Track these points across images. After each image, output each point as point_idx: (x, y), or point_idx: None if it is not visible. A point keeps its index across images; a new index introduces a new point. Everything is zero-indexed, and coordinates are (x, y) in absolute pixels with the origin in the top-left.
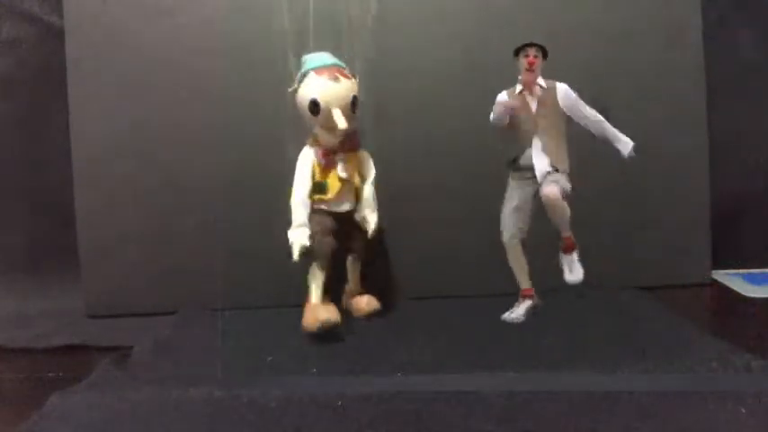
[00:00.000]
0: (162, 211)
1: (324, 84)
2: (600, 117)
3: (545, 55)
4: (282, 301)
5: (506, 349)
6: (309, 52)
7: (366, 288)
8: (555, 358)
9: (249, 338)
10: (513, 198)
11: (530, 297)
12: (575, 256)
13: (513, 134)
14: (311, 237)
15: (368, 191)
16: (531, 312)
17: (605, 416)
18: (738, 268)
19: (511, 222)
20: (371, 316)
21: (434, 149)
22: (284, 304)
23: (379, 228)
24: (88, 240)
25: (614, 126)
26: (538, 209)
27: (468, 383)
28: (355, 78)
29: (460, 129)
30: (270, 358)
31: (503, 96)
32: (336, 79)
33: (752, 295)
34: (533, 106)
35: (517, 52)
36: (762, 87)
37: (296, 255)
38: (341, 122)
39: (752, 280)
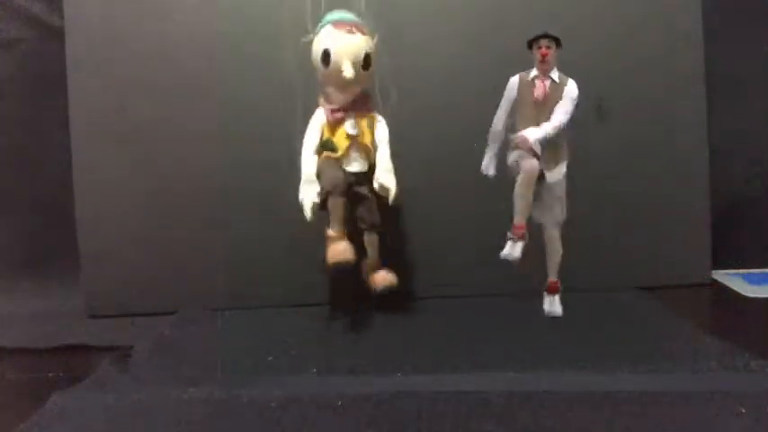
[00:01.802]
0: (162, 212)
1: (337, 35)
2: (556, 120)
3: (558, 45)
4: (282, 301)
5: (506, 349)
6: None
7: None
8: (555, 358)
9: (249, 338)
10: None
11: (522, 237)
12: (557, 298)
13: (519, 120)
14: (321, 193)
15: (382, 154)
16: (524, 252)
17: (605, 416)
18: (738, 268)
19: (529, 155)
20: (387, 291)
21: (435, 149)
22: (284, 304)
23: (398, 195)
24: (88, 240)
25: (614, 128)
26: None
27: (468, 383)
28: (374, 38)
29: (462, 129)
30: (270, 358)
31: (514, 81)
32: (351, 32)
33: (752, 295)
34: (540, 97)
35: (531, 44)
36: (762, 88)
37: (308, 213)
38: (347, 70)
39: (752, 280)
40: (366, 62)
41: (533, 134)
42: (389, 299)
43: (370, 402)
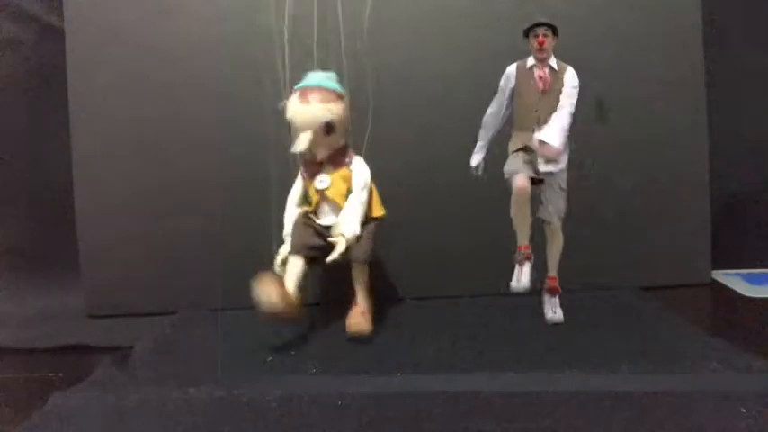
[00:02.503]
0: (162, 211)
1: (295, 106)
2: (564, 108)
3: (555, 33)
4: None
5: (506, 349)
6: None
7: (372, 293)
8: (555, 358)
9: (249, 338)
10: (515, 157)
11: (528, 258)
12: (557, 300)
13: (517, 109)
14: (284, 256)
15: (348, 206)
16: (533, 277)
17: (605, 416)
18: (738, 268)
19: (521, 167)
20: (357, 337)
21: (434, 149)
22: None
23: (352, 239)
24: (88, 240)
25: (614, 128)
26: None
27: (468, 383)
28: (341, 99)
29: (460, 129)
30: (270, 358)
31: (511, 69)
32: (307, 102)
33: (752, 295)
34: (539, 86)
35: (527, 33)
36: (762, 88)
37: (276, 267)
38: (297, 145)
39: (752, 280)
40: (327, 130)
41: (556, 139)
42: (389, 299)
43: (370, 402)
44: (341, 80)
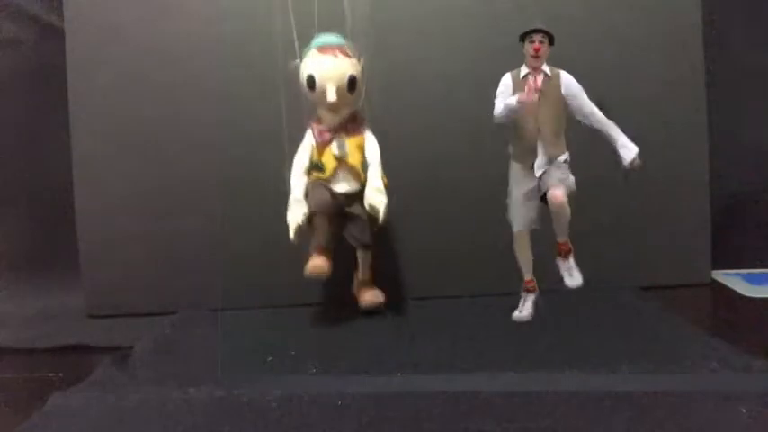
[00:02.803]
0: (162, 211)
1: (321, 60)
2: (599, 114)
3: (551, 42)
4: (282, 301)
5: (506, 349)
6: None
7: (376, 281)
8: (555, 358)
9: (249, 338)
10: (519, 185)
11: (532, 290)
12: (572, 260)
13: (514, 120)
14: (307, 214)
15: (372, 173)
16: (536, 306)
17: (605, 416)
18: (738, 268)
19: (521, 212)
20: (373, 310)
21: (435, 149)
22: (284, 304)
23: (386, 209)
24: (88, 240)
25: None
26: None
27: (468, 383)
28: (359, 60)
29: (461, 128)
30: (270, 358)
31: (507, 79)
32: (335, 56)
33: (752, 295)
34: (536, 96)
35: (523, 38)
36: (762, 88)
37: (292, 234)
38: (331, 95)
39: (752, 280)
40: (351, 85)
41: (632, 153)
42: (390, 299)
43: (370, 402)
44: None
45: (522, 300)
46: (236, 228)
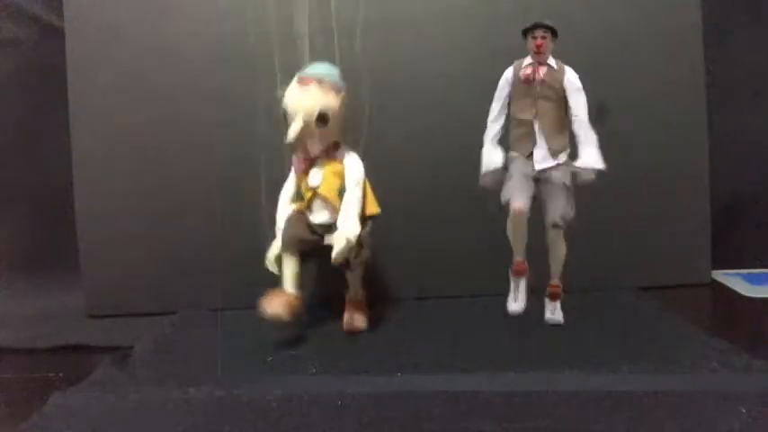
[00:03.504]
0: (162, 211)
1: (292, 92)
2: (584, 119)
3: (555, 35)
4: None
5: (506, 349)
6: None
7: (369, 290)
8: (555, 358)
9: (249, 338)
10: (518, 169)
11: (523, 273)
12: (558, 304)
13: (514, 111)
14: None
15: (344, 206)
16: (530, 292)
17: (605, 416)
18: (738, 268)
19: (518, 188)
20: (354, 334)
21: (434, 149)
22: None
23: (349, 247)
24: (88, 240)
25: (614, 128)
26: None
27: (468, 383)
28: (339, 93)
29: (461, 128)
30: (270, 358)
31: (508, 74)
32: (305, 90)
33: (752, 295)
34: (537, 86)
35: (526, 33)
36: (761, 88)
37: (269, 266)
38: (290, 133)
39: (752, 280)
40: (321, 120)
41: (592, 160)
42: (390, 299)
43: (370, 402)
44: (342, 77)
45: (512, 286)
46: (236, 228)
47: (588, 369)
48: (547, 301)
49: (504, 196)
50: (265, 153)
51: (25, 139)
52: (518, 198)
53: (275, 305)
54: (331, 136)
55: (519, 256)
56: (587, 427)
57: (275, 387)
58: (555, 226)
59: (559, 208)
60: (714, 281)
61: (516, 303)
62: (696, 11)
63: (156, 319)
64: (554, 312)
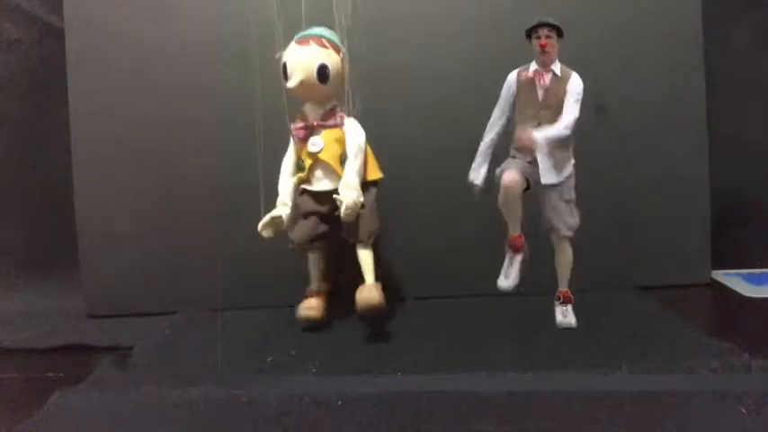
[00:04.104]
0: (162, 211)
1: (292, 48)
2: (567, 122)
3: (560, 35)
4: (282, 301)
5: (506, 349)
6: None
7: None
8: (555, 358)
9: (249, 338)
10: (512, 161)
11: (520, 249)
12: (569, 307)
13: (520, 120)
14: (289, 220)
15: (348, 167)
16: (523, 270)
17: (605, 416)
18: (738, 268)
19: (513, 166)
20: (369, 314)
21: (435, 149)
22: (284, 304)
23: (356, 205)
24: (88, 240)
25: (614, 128)
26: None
27: (468, 383)
28: (339, 52)
29: (461, 128)
30: (270, 358)
31: (512, 79)
32: (308, 46)
33: (752, 295)
34: (540, 94)
35: (529, 33)
36: (762, 87)
37: (260, 224)
38: (291, 80)
39: (752, 280)
40: (321, 73)
41: (544, 132)
42: (390, 299)
43: (370, 402)
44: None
45: (506, 263)
46: (236, 228)
47: (588, 369)
48: (557, 305)
49: (497, 172)
50: (264, 151)
51: (25, 139)
52: (510, 172)
53: (306, 307)
54: (330, 99)
55: (515, 231)
56: (587, 427)
57: (275, 387)
58: (562, 237)
59: (567, 223)
60: (714, 281)
61: (507, 280)
62: (696, 11)
63: (156, 319)
64: (566, 315)
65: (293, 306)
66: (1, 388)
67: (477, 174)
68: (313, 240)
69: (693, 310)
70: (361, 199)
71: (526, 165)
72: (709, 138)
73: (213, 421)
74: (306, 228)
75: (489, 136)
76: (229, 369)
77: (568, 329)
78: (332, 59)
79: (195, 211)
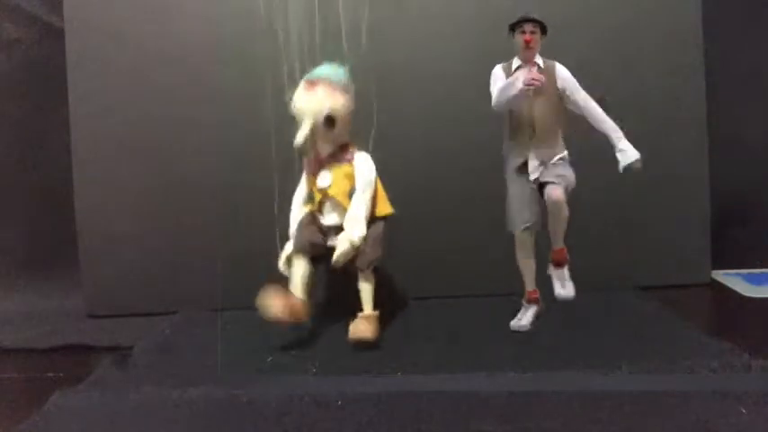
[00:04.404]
0: (162, 211)
1: (300, 95)
2: (598, 112)
3: (544, 31)
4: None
5: (506, 349)
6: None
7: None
8: (555, 358)
9: (249, 338)
10: (515, 183)
11: (535, 302)
12: (566, 271)
13: (510, 116)
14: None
15: (352, 207)
16: (537, 319)
17: (605, 416)
18: (738, 268)
19: (520, 212)
20: (360, 346)
21: (435, 149)
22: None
23: (352, 249)
24: (88, 240)
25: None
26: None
27: (468, 383)
28: (346, 93)
29: (461, 128)
30: (270, 358)
31: (498, 71)
32: (311, 92)
33: (752, 295)
34: (530, 93)
35: (513, 28)
36: (762, 87)
37: (280, 265)
38: (297, 137)
39: (752, 280)
40: (328, 122)
41: (630, 158)
42: (390, 299)
43: (370, 402)
44: (349, 76)
45: (522, 309)
46: (236, 228)
47: (588, 369)
48: (552, 270)
49: (508, 223)
50: (276, 154)
51: (25, 139)
52: (519, 223)
53: (278, 307)
54: (340, 137)
55: (530, 287)
56: (587, 427)
57: (275, 387)
58: (555, 186)
59: (567, 179)
60: (714, 281)
61: (520, 322)
62: (696, 11)
63: (156, 319)
64: (564, 285)
65: None
66: (1, 388)
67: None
68: (312, 246)
69: (693, 310)
70: (363, 233)
71: (524, 182)
72: (709, 138)
73: (213, 421)
74: (309, 232)
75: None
76: (229, 369)
77: (568, 329)
78: (339, 104)
79: (195, 211)
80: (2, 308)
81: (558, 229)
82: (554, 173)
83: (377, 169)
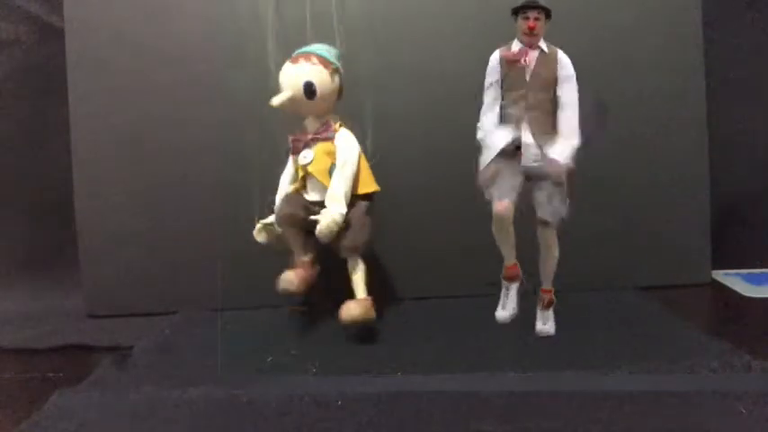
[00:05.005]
0: (162, 212)
1: (286, 68)
2: (570, 112)
3: (548, 16)
4: (282, 301)
5: (506, 349)
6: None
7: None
8: (555, 358)
9: (249, 338)
10: (504, 167)
11: (515, 278)
12: (551, 312)
13: (508, 102)
14: (269, 223)
15: (335, 179)
16: (520, 296)
17: (605, 416)
18: (738, 268)
19: (503, 188)
20: (355, 325)
21: (434, 149)
22: (284, 304)
23: (334, 225)
24: (88, 240)
25: (614, 126)
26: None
27: (468, 383)
28: (329, 67)
29: (461, 128)
30: (270, 358)
31: (495, 59)
32: (297, 64)
33: (752, 295)
34: (528, 74)
35: (516, 11)
36: (762, 87)
37: (255, 230)
38: (275, 99)
39: (752, 280)
40: (307, 91)
41: (563, 155)
42: (389, 299)
43: (370, 402)
44: (339, 57)
45: (503, 292)
46: (236, 228)
47: (588, 369)
48: (538, 310)
49: (488, 195)
50: (264, 153)
51: (25, 139)
52: (501, 198)
53: (287, 277)
54: (321, 109)
55: (509, 261)
56: (587, 427)
57: (275, 387)
58: (544, 223)
59: (549, 204)
60: (714, 281)
61: (504, 311)
62: (696, 10)
63: (156, 319)
64: (546, 323)
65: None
66: (1, 388)
67: (497, 139)
68: (294, 219)
69: (693, 310)
70: (343, 211)
71: (515, 165)
72: (709, 138)
73: (213, 421)
74: (291, 206)
75: (490, 120)
76: (229, 369)
77: (567, 329)
78: (320, 76)
79: (195, 211)
80: (2, 308)
81: (548, 269)
82: (549, 209)
83: (376, 169)
